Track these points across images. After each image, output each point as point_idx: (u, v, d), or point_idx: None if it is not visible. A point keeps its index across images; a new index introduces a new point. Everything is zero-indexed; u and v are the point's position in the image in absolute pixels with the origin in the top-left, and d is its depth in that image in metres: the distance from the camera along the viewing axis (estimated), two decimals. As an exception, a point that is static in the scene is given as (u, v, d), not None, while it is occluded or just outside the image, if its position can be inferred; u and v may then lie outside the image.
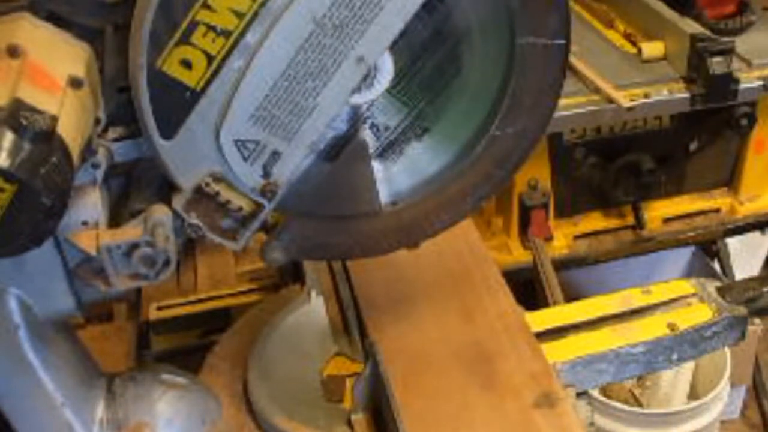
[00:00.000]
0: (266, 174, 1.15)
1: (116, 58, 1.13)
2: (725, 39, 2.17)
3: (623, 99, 2.18)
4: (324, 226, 1.26)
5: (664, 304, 1.54)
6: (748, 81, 2.20)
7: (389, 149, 1.25)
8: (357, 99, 1.15)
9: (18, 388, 1.24)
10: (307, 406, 1.45)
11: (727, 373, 2.48)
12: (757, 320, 2.48)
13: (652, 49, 2.32)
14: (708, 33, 2.20)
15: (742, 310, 1.50)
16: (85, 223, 1.15)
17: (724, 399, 2.49)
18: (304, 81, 1.09)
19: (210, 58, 1.05)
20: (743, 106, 2.25)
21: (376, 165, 1.24)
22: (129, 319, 1.98)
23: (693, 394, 2.62)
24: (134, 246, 1.14)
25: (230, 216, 1.19)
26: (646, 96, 2.19)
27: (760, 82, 2.20)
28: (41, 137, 0.97)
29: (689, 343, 1.48)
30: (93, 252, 1.14)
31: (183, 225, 1.18)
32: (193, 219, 1.17)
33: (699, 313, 1.50)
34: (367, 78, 1.13)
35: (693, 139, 2.48)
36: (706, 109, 2.23)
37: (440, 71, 1.20)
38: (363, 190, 1.23)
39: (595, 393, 2.33)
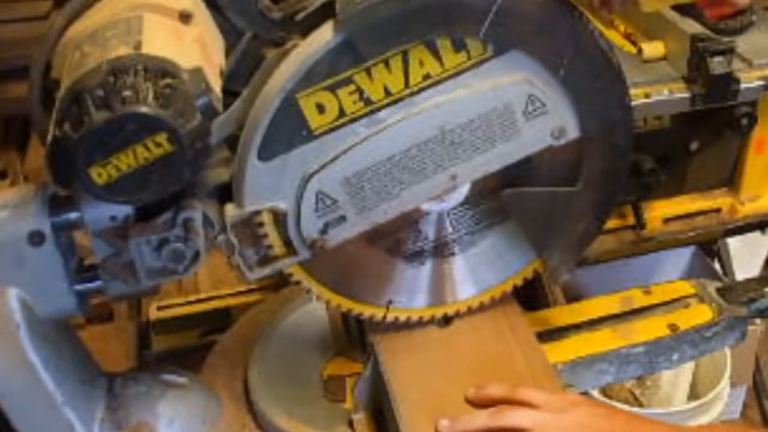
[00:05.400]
0: (324, 231, 1.19)
1: (241, 64, 1.20)
2: (725, 39, 2.16)
3: (623, 99, 2.18)
4: None
5: (665, 304, 1.54)
6: (749, 81, 2.18)
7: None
8: (427, 206, 1.26)
9: (18, 387, 1.24)
10: (307, 405, 1.45)
11: (728, 373, 2.48)
12: (757, 320, 2.48)
13: (652, 49, 2.31)
14: (708, 33, 2.19)
15: (743, 311, 1.50)
16: (113, 218, 1.15)
17: (725, 399, 2.48)
18: (401, 172, 1.16)
19: (342, 114, 1.11)
20: (744, 106, 2.24)
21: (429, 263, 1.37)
22: (129, 319, 1.97)
23: (693, 394, 2.61)
24: (164, 241, 1.14)
25: (255, 248, 1.21)
26: (647, 96, 2.18)
27: (761, 82, 2.19)
28: (209, 113, 1.01)
29: (690, 344, 1.48)
30: (122, 246, 1.14)
31: (216, 237, 1.19)
32: (234, 237, 1.19)
33: (699, 314, 1.50)
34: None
35: (693, 139, 2.47)
36: (707, 109, 2.23)
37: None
38: (376, 284, 1.35)
39: (595, 393, 2.33)
